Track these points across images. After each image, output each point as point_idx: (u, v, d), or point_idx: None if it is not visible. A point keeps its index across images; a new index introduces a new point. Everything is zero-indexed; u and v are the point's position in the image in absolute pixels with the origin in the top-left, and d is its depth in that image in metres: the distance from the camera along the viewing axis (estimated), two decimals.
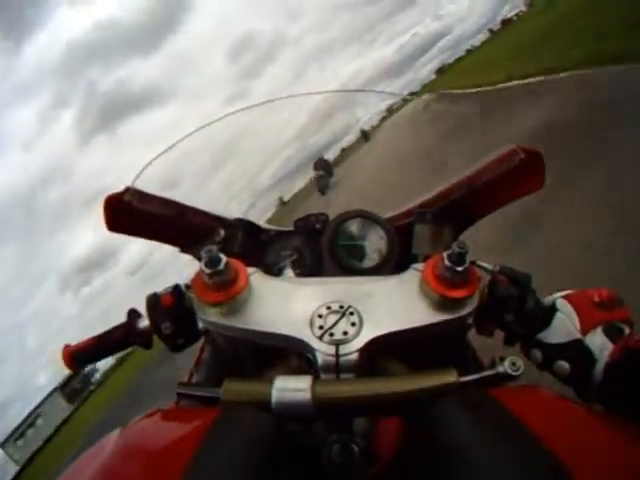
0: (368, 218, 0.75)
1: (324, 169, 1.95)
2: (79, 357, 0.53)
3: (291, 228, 0.79)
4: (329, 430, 0.42)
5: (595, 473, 0.25)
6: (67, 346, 0.53)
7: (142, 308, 0.52)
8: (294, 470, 0.36)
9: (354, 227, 0.74)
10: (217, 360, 0.60)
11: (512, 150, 0.64)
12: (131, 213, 0.68)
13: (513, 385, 0.40)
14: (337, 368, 0.38)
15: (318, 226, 0.77)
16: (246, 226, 0.75)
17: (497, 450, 0.27)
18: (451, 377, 0.38)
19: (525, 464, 0.25)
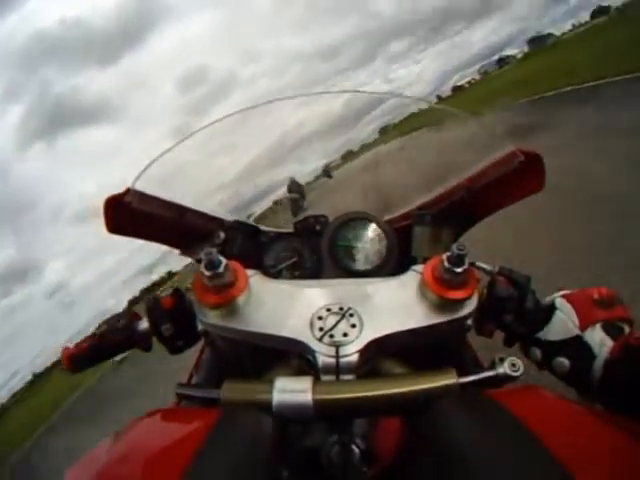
0: (368, 220, 0.75)
1: (297, 192, 1.98)
2: (79, 360, 0.52)
3: (291, 230, 0.79)
4: (329, 431, 0.42)
5: (595, 473, 0.25)
6: (67, 348, 0.52)
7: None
8: (294, 471, 0.36)
9: (354, 229, 0.75)
10: (217, 361, 0.60)
11: (512, 152, 0.64)
12: (131, 214, 0.68)
13: (513, 385, 0.40)
14: (337, 369, 0.38)
15: (318, 228, 0.77)
16: (245, 228, 0.75)
17: (497, 450, 0.27)
18: (451, 378, 0.38)
19: (525, 464, 0.26)
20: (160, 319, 0.50)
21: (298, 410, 0.35)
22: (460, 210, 0.75)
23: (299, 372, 0.39)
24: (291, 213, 2.15)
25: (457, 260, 0.39)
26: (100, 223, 0.67)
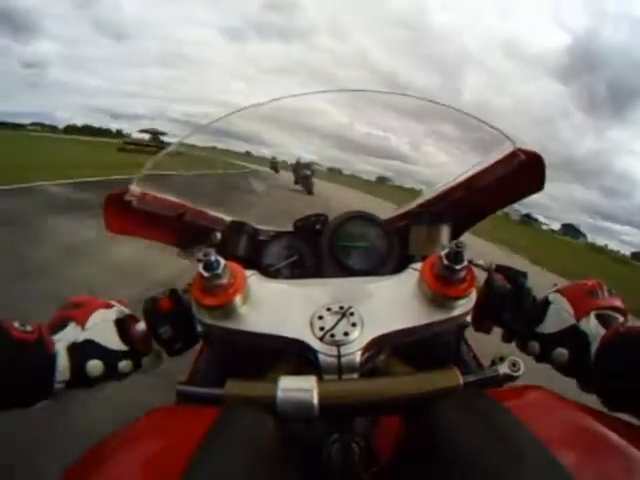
0: (368, 219, 0.75)
1: (307, 169, 1.98)
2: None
3: (290, 229, 0.79)
4: (329, 430, 0.42)
5: (595, 473, 0.25)
6: None
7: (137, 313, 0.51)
8: (295, 470, 0.36)
9: (354, 228, 0.74)
10: (217, 361, 0.60)
11: (512, 152, 0.64)
12: (131, 213, 0.68)
13: (513, 385, 0.40)
14: (339, 369, 0.39)
15: (318, 227, 0.77)
16: (244, 228, 0.75)
17: (497, 450, 0.27)
18: (454, 377, 0.38)
19: (525, 464, 0.26)
20: (158, 321, 0.49)
21: (302, 409, 0.35)
22: (460, 209, 0.75)
23: (300, 372, 0.39)
24: (305, 191, 2.19)
25: (455, 257, 0.40)
26: None
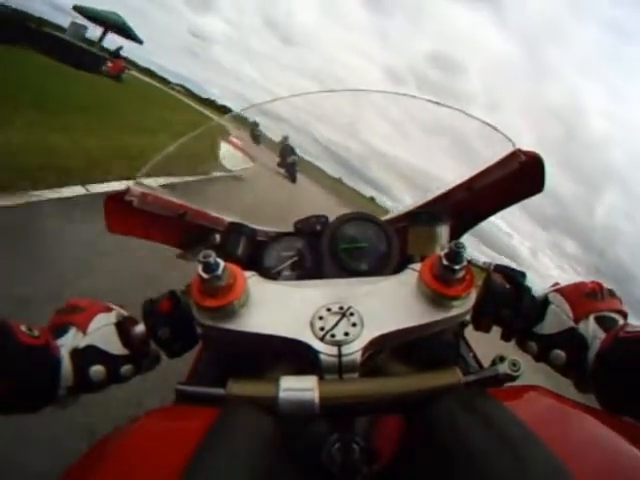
0: (368, 220, 0.75)
1: (293, 154, 1.90)
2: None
3: (290, 230, 0.79)
4: (330, 429, 0.42)
5: (595, 473, 0.25)
6: None
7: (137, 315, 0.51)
8: (295, 469, 0.36)
9: (354, 229, 0.75)
10: (216, 362, 0.60)
11: (512, 153, 0.64)
12: (132, 213, 0.68)
13: (513, 385, 0.40)
14: (340, 368, 0.39)
15: (318, 228, 0.77)
16: (243, 229, 0.76)
17: (497, 450, 0.27)
18: (454, 377, 0.38)
19: (525, 464, 0.26)
20: (157, 323, 0.49)
21: (304, 408, 0.35)
22: (460, 210, 0.75)
23: (300, 372, 0.39)
24: (290, 179, 2.10)
25: (455, 257, 0.40)
26: None
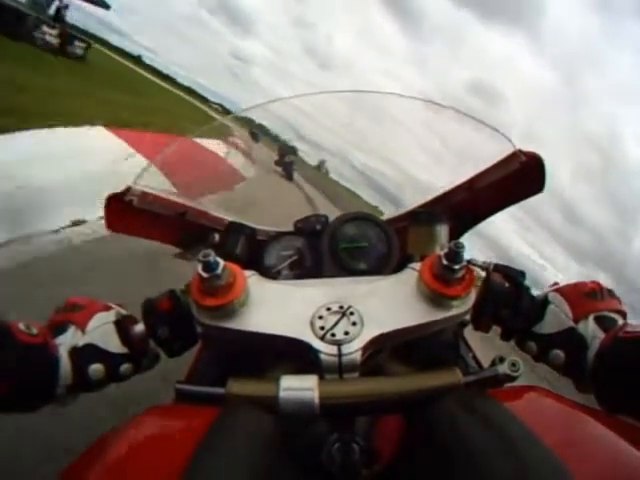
0: (368, 219, 0.75)
1: (291, 154, 1.93)
2: None
3: (290, 229, 0.79)
4: (330, 429, 0.42)
5: (594, 473, 0.25)
6: None
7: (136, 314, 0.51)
8: (295, 469, 0.36)
9: (354, 228, 0.75)
10: (216, 361, 0.60)
11: (513, 153, 0.64)
12: (132, 212, 0.68)
13: (513, 385, 0.40)
14: (340, 368, 0.39)
15: (318, 227, 0.77)
16: (243, 229, 0.76)
17: (497, 450, 0.27)
18: (455, 377, 0.38)
19: (525, 464, 0.26)
20: (156, 322, 0.49)
21: (304, 408, 0.35)
22: (461, 210, 0.75)
23: (300, 371, 0.39)
24: (286, 177, 2.17)
25: (454, 257, 0.40)
26: None
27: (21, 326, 0.40)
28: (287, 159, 2.03)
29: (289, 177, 2.19)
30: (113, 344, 0.47)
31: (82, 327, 0.45)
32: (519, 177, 0.65)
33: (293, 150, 1.87)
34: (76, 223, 2.61)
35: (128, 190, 0.65)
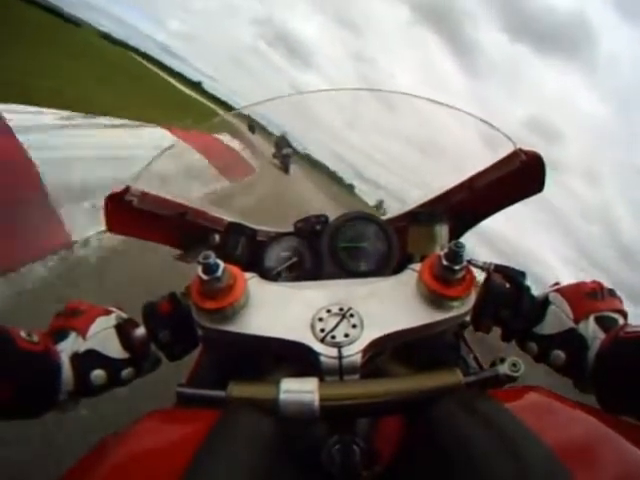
0: (369, 220, 0.75)
1: (288, 147, 1.95)
2: None
3: (290, 230, 0.79)
4: (330, 431, 0.42)
5: (594, 473, 0.25)
6: None
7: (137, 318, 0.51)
8: (295, 471, 0.36)
9: (354, 229, 0.74)
10: (217, 364, 0.60)
11: (513, 152, 0.64)
12: (132, 213, 0.68)
13: (513, 385, 0.40)
14: (340, 370, 0.39)
15: (318, 228, 0.76)
16: (242, 230, 0.75)
17: (497, 450, 0.27)
18: (454, 377, 0.38)
19: (525, 464, 0.26)
20: (157, 325, 0.49)
21: (305, 410, 0.35)
22: (461, 210, 0.75)
23: (301, 374, 0.39)
24: (284, 170, 2.21)
25: (454, 257, 0.40)
26: None
27: (22, 334, 0.40)
28: (284, 152, 2.05)
29: (285, 170, 2.22)
30: (114, 349, 0.47)
31: (83, 333, 0.45)
32: (519, 176, 0.65)
33: (289, 144, 1.89)
34: None
35: (127, 190, 0.65)
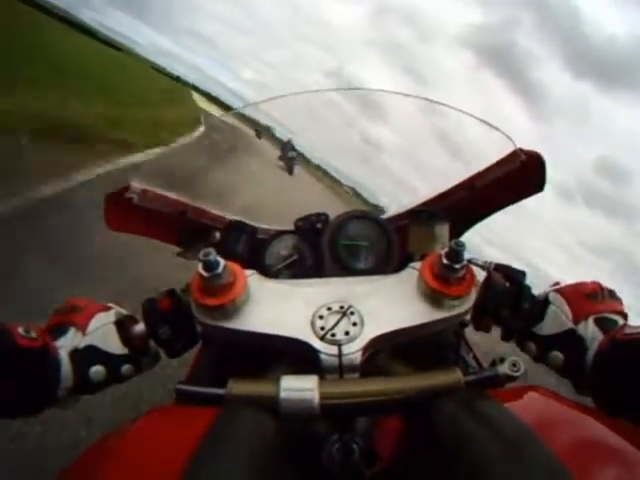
0: (369, 218, 0.75)
1: (293, 150, 2.04)
2: None
3: (291, 228, 0.79)
4: (330, 429, 0.42)
5: (594, 473, 0.25)
6: None
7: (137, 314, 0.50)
8: (294, 469, 0.36)
9: (355, 227, 0.74)
10: (216, 361, 0.60)
11: (513, 152, 0.64)
12: (132, 211, 0.68)
13: (513, 385, 0.40)
14: (340, 368, 0.39)
15: (319, 226, 0.76)
16: (243, 227, 0.75)
17: (497, 450, 0.27)
18: (454, 377, 0.38)
19: (525, 464, 0.26)
20: (157, 322, 0.49)
21: (304, 408, 0.35)
22: (461, 209, 0.75)
23: (301, 371, 0.39)
24: (287, 172, 2.36)
25: (455, 256, 0.40)
26: None
27: (20, 330, 0.40)
28: (289, 155, 2.15)
29: (290, 171, 2.36)
30: (114, 345, 0.47)
31: (82, 328, 0.45)
32: (520, 176, 0.65)
33: (294, 147, 1.96)
34: None
35: (128, 188, 0.65)
